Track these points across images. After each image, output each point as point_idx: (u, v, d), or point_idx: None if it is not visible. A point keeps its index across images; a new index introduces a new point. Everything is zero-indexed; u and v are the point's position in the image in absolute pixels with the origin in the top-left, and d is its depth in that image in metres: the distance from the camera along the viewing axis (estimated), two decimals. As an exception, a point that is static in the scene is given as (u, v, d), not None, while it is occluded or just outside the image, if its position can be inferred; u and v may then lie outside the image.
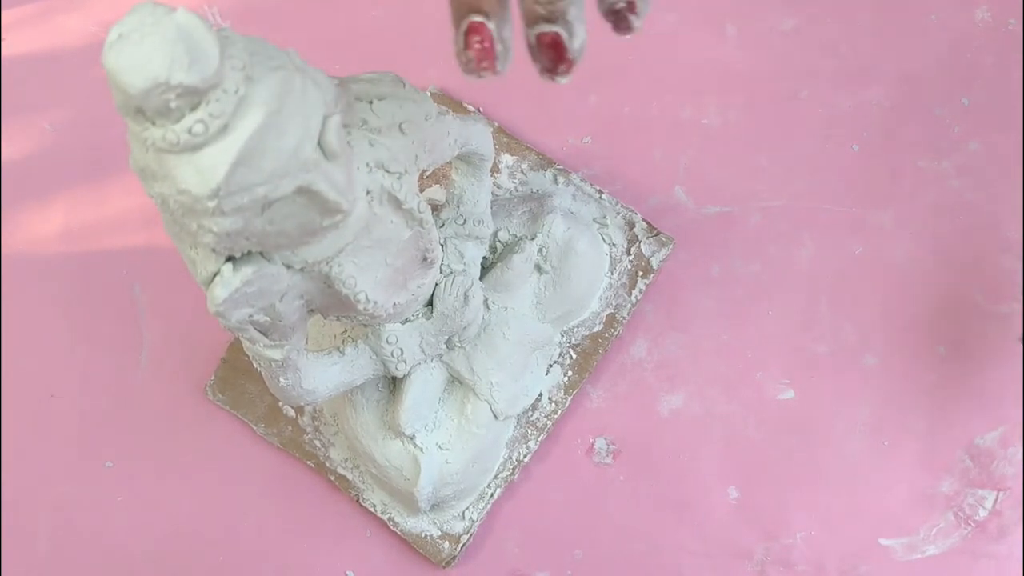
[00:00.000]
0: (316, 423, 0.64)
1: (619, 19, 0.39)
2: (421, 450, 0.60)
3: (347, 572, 0.64)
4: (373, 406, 0.60)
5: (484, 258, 0.60)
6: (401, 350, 0.56)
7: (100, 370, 0.67)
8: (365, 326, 0.55)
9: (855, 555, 0.62)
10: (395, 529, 0.63)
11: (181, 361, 0.67)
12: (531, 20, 0.38)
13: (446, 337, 0.57)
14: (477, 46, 0.38)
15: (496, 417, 0.61)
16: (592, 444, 0.64)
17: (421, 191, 0.47)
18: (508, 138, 0.67)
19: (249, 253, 0.42)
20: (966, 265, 0.65)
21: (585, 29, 0.38)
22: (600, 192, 0.66)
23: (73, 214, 0.69)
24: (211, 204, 0.37)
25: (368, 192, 0.45)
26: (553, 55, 0.38)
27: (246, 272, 0.42)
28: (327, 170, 0.40)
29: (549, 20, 0.38)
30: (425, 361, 0.58)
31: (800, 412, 0.64)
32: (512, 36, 0.39)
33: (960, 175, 0.66)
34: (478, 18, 0.37)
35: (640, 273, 0.65)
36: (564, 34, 0.38)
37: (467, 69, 0.38)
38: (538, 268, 0.61)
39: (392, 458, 0.60)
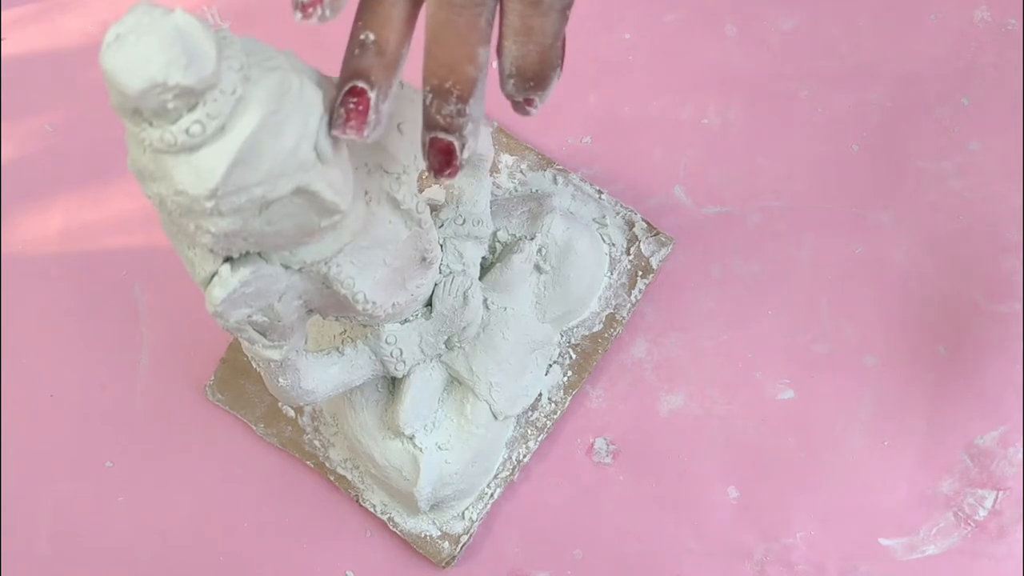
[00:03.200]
0: (316, 423, 0.64)
1: (518, 106, 0.42)
2: (421, 450, 0.60)
3: (347, 572, 0.64)
4: (373, 406, 0.60)
5: (484, 258, 0.60)
6: (400, 350, 0.56)
7: (100, 370, 0.67)
8: (364, 326, 0.55)
9: (855, 555, 0.62)
10: (395, 529, 0.63)
11: (181, 361, 0.67)
12: (430, 125, 0.40)
13: (445, 337, 0.57)
14: (351, 106, 0.39)
15: (496, 417, 0.61)
16: (592, 444, 0.64)
17: (420, 191, 0.47)
18: (508, 138, 0.67)
19: (247, 253, 0.42)
20: (966, 265, 0.65)
21: (477, 141, 0.41)
22: (600, 192, 0.66)
23: (73, 214, 0.69)
24: (209, 205, 0.37)
25: (366, 192, 0.45)
26: (443, 159, 0.41)
27: (244, 273, 0.42)
28: (325, 170, 0.40)
29: (446, 130, 0.40)
30: (424, 361, 0.58)
31: (800, 412, 0.64)
32: (391, 110, 0.41)
33: (960, 175, 0.66)
34: (362, 84, 0.39)
35: (640, 273, 0.65)
36: (457, 145, 0.40)
37: (334, 124, 0.40)
38: (537, 268, 0.61)
39: (392, 458, 0.60)
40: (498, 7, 0.40)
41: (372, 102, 0.39)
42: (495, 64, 0.42)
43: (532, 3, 0.39)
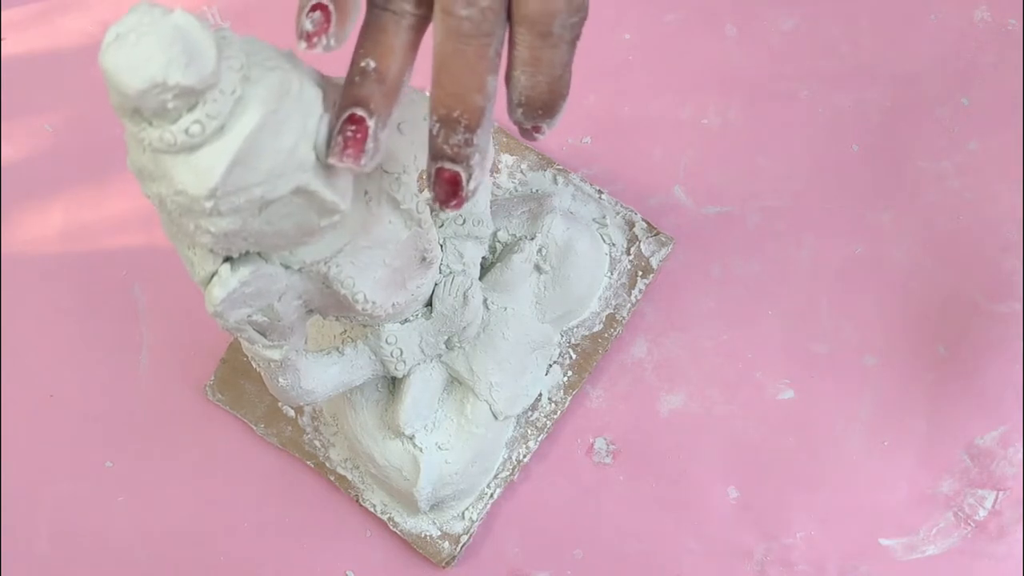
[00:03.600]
0: (316, 423, 0.64)
1: (525, 132, 0.42)
2: (421, 450, 0.60)
3: (347, 572, 0.64)
4: (373, 406, 0.60)
5: (484, 258, 0.60)
6: (401, 350, 0.56)
7: (100, 370, 0.67)
8: (364, 326, 0.55)
9: (855, 555, 0.62)
10: (395, 529, 0.63)
11: (181, 361, 0.67)
12: (436, 155, 0.40)
13: (445, 337, 0.57)
14: (349, 134, 0.39)
15: (496, 417, 0.61)
16: (592, 444, 0.64)
17: (420, 191, 0.47)
18: (508, 138, 0.67)
19: (247, 253, 0.42)
20: (966, 265, 0.65)
21: (484, 172, 0.41)
22: (600, 192, 0.66)
23: (73, 214, 0.69)
24: (208, 205, 0.37)
25: (366, 192, 0.45)
26: (449, 190, 0.40)
27: (244, 272, 0.42)
28: (324, 170, 0.40)
29: (453, 160, 0.40)
30: (425, 361, 0.58)
31: (800, 412, 0.64)
32: (387, 138, 0.40)
33: (960, 175, 0.66)
34: (361, 112, 0.39)
35: (640, 273, 0.65)
36: (464, 175, 0.40)
37: (332, 152, 0.39)
38: (538, 268, 0.61)
39: (392, 458, 0.60)
40: (507, 37, 0.40)
41: (371, 131, 0.39)
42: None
43: (542, 35, 0.39)
